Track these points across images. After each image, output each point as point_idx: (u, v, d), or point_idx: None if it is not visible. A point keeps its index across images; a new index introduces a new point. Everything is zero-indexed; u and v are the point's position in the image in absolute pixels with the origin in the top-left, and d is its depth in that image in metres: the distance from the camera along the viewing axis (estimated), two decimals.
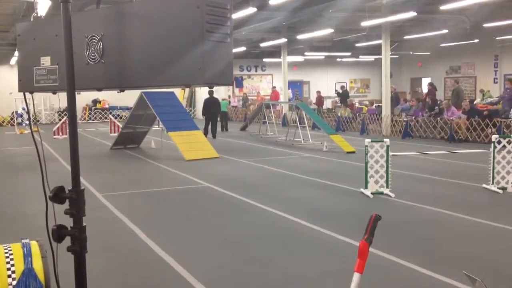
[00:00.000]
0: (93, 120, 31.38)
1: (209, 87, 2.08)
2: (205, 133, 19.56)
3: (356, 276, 2.51)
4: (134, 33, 1.98)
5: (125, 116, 27.83)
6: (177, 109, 16.25)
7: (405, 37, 26.09)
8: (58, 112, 29.54)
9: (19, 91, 2.67)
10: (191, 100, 34.54)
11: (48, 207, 2.49)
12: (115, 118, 24.51)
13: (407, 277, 5.14)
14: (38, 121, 27.55)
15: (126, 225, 7.22)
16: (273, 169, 12.10)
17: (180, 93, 32.26)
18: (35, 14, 2.47)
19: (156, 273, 5.37)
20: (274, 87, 31.39)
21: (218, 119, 21.48)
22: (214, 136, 19.93)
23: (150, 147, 16.90)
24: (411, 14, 17.48)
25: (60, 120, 23.96)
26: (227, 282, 5.06)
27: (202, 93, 33.85)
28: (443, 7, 17.25)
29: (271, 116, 22.11)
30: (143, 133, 17.33)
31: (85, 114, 31.78)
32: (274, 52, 29.81)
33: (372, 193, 8.81)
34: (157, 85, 1.97)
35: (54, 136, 20.66)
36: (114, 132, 19.99)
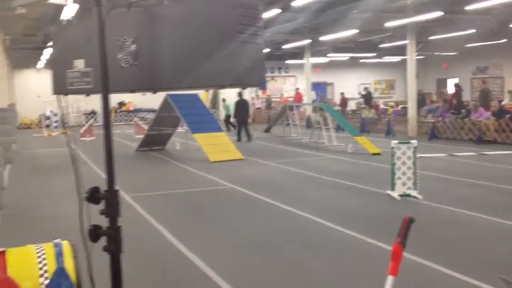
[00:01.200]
0: (118, 122, 31.74)
1: (242, 88, 2.10)
2: (239, 136, 19.48)
3: (390, 279, 2.49)
4: (166, 35, 2.00)
5: (150, 118, 28.10)
6: (202, 111, 16.35)
7: (431, 38, 25.76)
8: (85, 114, 29.95)
9: (53, 93, 2.71)
10: (215, 101, 34.66)
11: (82, 208, 2.53)
12: (140, 120, 24.74)
13: (436, 279, 5.07)
14: (66, 123, 27.98)
15: (153, 226, 7.28)
16: (298, 171, 12.07)
17: (204, 95, 32.41)
18: (68, 18, 2.51)
19: (183, 273, 5.40)
20: (297, 89, 31.31)
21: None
22: (240, 139, 19.55)
23: (175, 149, 17.02)
24: (437, 14, 17.26)
25: (87, 122, 24.29)
26: (253, 283, 5.06)
27: (225, 95, 33.98)
28: (469, 7, 16.97)
29: (295, 118, 22.06)
30: (168, 135, 17.46)
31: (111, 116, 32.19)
32: (297, 53, 29.73)
33: (399, 195, 8.72)
34: (189, 86, 1.98)
35: (82, 138, 20.95)
36: (139, 134, 20.16)
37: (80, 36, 2.39)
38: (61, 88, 2.64)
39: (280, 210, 8.15)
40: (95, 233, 2.32)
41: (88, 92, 2.52)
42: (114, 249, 2.36)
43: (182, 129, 18.02)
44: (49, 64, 27.41)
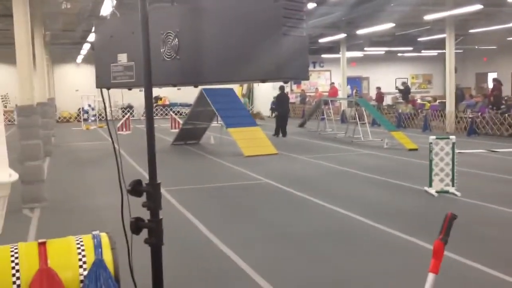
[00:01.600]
0: (154, 116, 32.05)
1: (284, 82, 2.08)
2: (277, 132, 19.34)
3: (430, 277, 2.44)
4: (210, 29, 2.00)
5: (185, 112, 28.33)
6: (236, 106, 16.40)
7: (470, 31, 25.14)
8: (121, 108, 30.42)
9: (97, 87, 2.76)
10: (249, 96, 34.71)
11: (123, 200, 2.56)
12: (176, 114, 24.98)
13: (476, 278, 4.97)
14: (103, 117, 28.49)
15: (188, 219, 7.35)
16: (333, 166, 11.99)
17: (238, 90, 32.50)
18: (111, 12, 2.54)
19: (217, 266, 5.44)
20: (332, 83, 31.04)
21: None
22: (284, 135, 19.34)
23: (210, 143, 17.13)
24: (477, 7, 16.82)
25: (123, 116, 24.66)
26: (287, 277, 5.06)
27: (260, 89, 33.99)
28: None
29: (330, 113, 21.89)
30: (202, 129, 17.59)
31: None
32: (333, 47, 29.45)
33: (437, 192, 8.56)
34: (232, 80, 1.98)
35: (118, 132, 21.29)
36: (175, 128, 20.36)
37: (123, 30, 2.42)
38: (104, 82, 2.68)
39: (314, 205, 8.12)
40: (136, 225, 2.34)
41: (130, 86, 2.55)
42: (155, 242, 2.39)
43: (216, 123, 18.12)
44: (93, 58, 27.96)
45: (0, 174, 1.58)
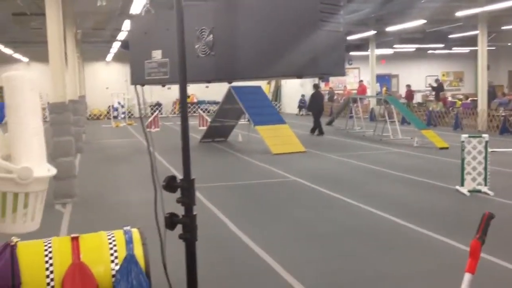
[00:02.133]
0: None
1: (320, 78, 2.06)
2: (314, 130, 19.08)
3: (467, 277, 2.39)
4: (245, 25, 2.00)
5: (212, 110, 28.45)
6: (264, 103, 16.39)
7: (503, 28, 24.59)
8: (150, 106, 30.73)
9: (131, 84, 2.77)
10: (277, 94, 34.66)
11: (156, 196, 2.58)
12: (203, 112, 25.11)
13: (509, 279, 4.85)
14: (132, 115, 28.82)
15: (217, 216, 7.37)
16: (361, 164, 11.88)
17: (266, 88, 32.48)
18: (146, 9, 2.55)
19: (247, 263, 5.44)
20: (361, 81, 30.76)
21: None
22: (321, 133, 18.93)
23: (237, 141, 17.15)
24: (510, 3, 16.43)
25: (152, 114, 24.89)
26: (317, 276, 5.03)
27: (287, 87, 33.90)
28: None
29: (358, 111, 21.69)
30: (230, 126, 17.63)
31: (175, 108, 32.85)
32: (361, 45, 29.15)
33: (468, 191, 8.40)
34: (267, 76, 1.97)
35: (147, 129, 21.48)
36: (203, 126, 20.46)
37: (158, 27, 2.43)
38: (139, 78, 2.70)
39: (344, 204, 8.05)
40: (171, 221, 2.36)
41: (164, 83, 2.56)
42: (189, 237, 2.40)
43: (244, 121, 18.15)
44: (122, 56, 28.30)
45: (39, 168, 1.61)
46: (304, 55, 1.84)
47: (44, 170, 1.84)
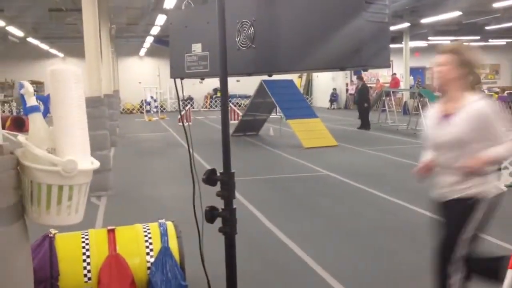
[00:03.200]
0: (214, 107, 32.52)
1: (364, 70, 2.03)
2: (363, 125, 18.65)
3: (510, 273, 2.33)
4: (286, 16, 1.97)
5: (244, 104, 28.50)
6: (296, 97, 16.31)
7: None
8: (181, 100, 30.93)
9: (171, 77, 2.79)
10: (308, 88, 34.49)
11: (195, 189, 2.59)
12: (235, 106, 25.19)
13: None
14: (164, 109, 29.12)
15: (250, 210, 7.39)
16: (395, 159, 11.73)
17: (297, 81, 32.34)
18: (186, 3, 2.56)
19: (280, 258, 5.44)
20: (394, 74, 30.33)
21: None
22: (367, 127, 18.55)
23: (269, 134, 17.14)
24: None
25: (184, 108, 25.07)
26: (352, 272, 4.99)
27: (319, 81, 33.69)
28: None
29: (391, 104, 21.41)
30: (262, 120, 17.63)
31: (206, 102, 33.04)
32: (395, 37, 28.70)
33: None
34: (309, 68, 1.95)
35: (179, 123, 21.70)
36: (234, 120, 20.54)
37: (198, 20, 2.43)
38: (178, 72, 2.71)
39: (378, 199, 7.96)
40: (211, 214, 2.36)
41: (204, 76, 2.57)
42: (229, 231, 2.41)
43: (276, 114, 18.11)
44: (155, 51, 28.59)
45: (83, 161, 1.63)
46: (347, 46, 1.80)
47: (88, 163, 1.87)
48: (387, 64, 1.96)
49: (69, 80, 1.78)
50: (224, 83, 2.19)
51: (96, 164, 1.89)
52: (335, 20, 1.83)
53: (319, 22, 1.89)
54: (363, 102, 18.71)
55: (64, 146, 1.81)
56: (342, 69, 1.91)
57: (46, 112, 1.91)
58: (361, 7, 1.77)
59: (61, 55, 30.31)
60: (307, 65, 1.97)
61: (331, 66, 1.91)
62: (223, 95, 2.28)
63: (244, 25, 2.18)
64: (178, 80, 2.71)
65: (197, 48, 2.48)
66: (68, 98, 1.77)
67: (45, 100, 1.88)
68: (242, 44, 2.23)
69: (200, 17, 2.42)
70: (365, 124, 18.59)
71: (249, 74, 2.29)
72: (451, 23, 24.27)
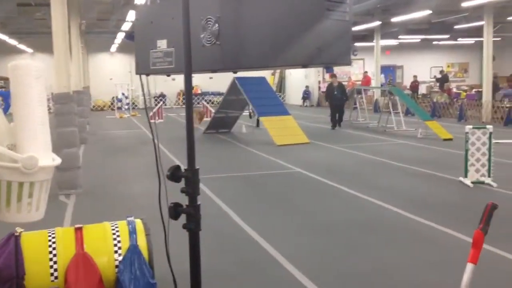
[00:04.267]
0: None
1: (326, 68, 2.05)
2: (333, 122, 18.32)
3: (469, 266, 2.39)
4: (251, 14, 1.98)
5: (216, 101, 28.42)
6: (268, 94, 16.35)
7: (509, 18, 24.42)
8: (154, 97, 30.71)
9: (136, 73, 2.77)
10: (281, 85, 34.59)
11: (160, 186, 2.58)
12: (207, 103, 25.11)
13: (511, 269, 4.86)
14: (136, 106, 28.83)
15: (220, 207, 7.38)
16: (365, 156, 11.86)
17: (270, 78, 32.40)
18: None
19: (250, 254, 5.45)
20: (365, 72, 30.67)
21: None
22: (336, 125, 18.32)
23: (241, 132, 17.15)
24: None
25: (156, 105, 24.88)
26: (321, 267, 5.04)
27: (292, 78, 33.82)
28: None
29: (362, 102, 21.64)
30: (234, 118, 17.62)
31: (179, 99, 32.83)
32: (366, 36, 29.02)
33: (472, 182, 8.39)
34: (274, 65, 1.96)
35: (151, 121, 21.49)
36: (207, 117, 20.47)
37: (163, 16, 2.42)
38: (144, 68, 2.68)
39: (347, 195, 8.05)
40: (175, 210, 2.35)
41: (170, 72, 2.55)
42: (193, 227, 2.40)
43: (248, 112, 18.12)
44: (127, 47, 28.26)
45: (44, 157, 1.60)
46: (310, 44, 1.82)
47: (49, 159, 1.84)
48: (348, 62, 1.98)
49: (29, 75, 1.75)
50: (188, 80, 2.18)
51: (58, 160, 1.86)
52: (297, 18, 1.84)
53: (281, 20, 1.90)
54: (338, 100, 18.42)
55: (25, 142, 1.78)
56: (304, 66, 1.93)
57: (7, 108, 1.88)
58: (323, 6, 1.78)
59: (30, 50, 29.73)
60: (270, 62, 1.98)
61: (294, 63, 1.92)
62: (187, 92, 2.27)
63: (209, 22, 2.18)
64: (143, 77, 2.69)
65: (162, 44, 2.46)
66: (29, 94, 1.74)
67: (5, 96, 1.85)
68: (207, 40, 2.22)
69: (165, 13, 2.41)
70: (337, 122, 18.53)
71: (214, 71, 2.29)
72: (421, 22, 24.65)
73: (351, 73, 33.27)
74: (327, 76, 33.61)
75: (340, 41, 1.90)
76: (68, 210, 7.34)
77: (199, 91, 32.70)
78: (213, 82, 30.88)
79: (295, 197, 8.17)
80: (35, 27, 22.47)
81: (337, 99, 18.20)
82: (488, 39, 19.43)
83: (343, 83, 32.31)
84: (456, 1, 18.72)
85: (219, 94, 29.61)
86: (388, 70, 33.26)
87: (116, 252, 4.17)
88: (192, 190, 2.39)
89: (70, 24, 14.66)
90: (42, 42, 24.58)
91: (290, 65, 1.94)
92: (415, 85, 28.69)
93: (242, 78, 15.51)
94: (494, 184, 8.26)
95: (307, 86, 32.03)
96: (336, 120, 18.36)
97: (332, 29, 1.85)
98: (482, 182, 8.39)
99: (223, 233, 6.23)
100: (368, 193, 7.99)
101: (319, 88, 32.25)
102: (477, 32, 24.32)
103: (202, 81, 31.83)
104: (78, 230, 4.20)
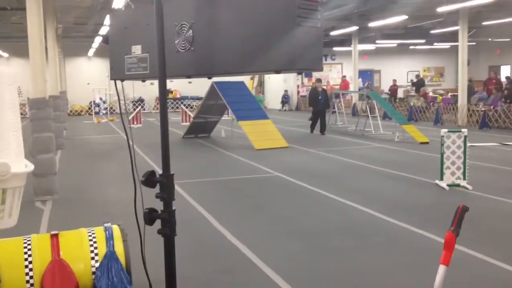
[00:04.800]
0: None
1: (298, 73, 2.07)
2: (312, 128, 18.12)
3: (441, 268, 2.44)
4: (224, 20, 2.00)
5: (196, 106, 28.35)
6: (247, 99, 16.37)
7: (484, 23, 24.87)
8: (132, 102, 30.51)
9: (111, 79, 2.76)
10: (260, 89, 34.65)
11: (136, 192, 2.57)
12: (187, 107, 25.03)
13: (487, 272, 4.94)
14: (114, 110, 28.61)
15: (199, 212, 7.37)
16: (343, 159, 11.96)
17: (249, 83, 32.45)
18: (126, 4, 2.54)
19: (229, 259, 5.45)
20: (344, 76, 30.93)
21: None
22: (316, 131, 17.95)
23: (220, 136, 17.14)
24: None
25: (134, 110, 24.72)
26: (299, 271, 5.06)
27: (271, 82, 33.93)
28: None
29: (341, 106, 21.81)
30: (214, 122, 17.60)
31: (157, 104, 32.68)
32: (345, 40, 29.28)
33: (448, 185, 8.52)
34: (247, 71, 1.98)
35: (130, 125, 21.38)
36: (186, 122, 20.40)
37: (138, 22, 2.42)
38: (118, 73, 2.68)
39: (325, 199, 8.11)
40: (150, 216, 2.35)
41: (144, 78, 2.55)
42: (168, 232, 2.40)
43: (227, 116, 18.11)
44: (104, 52, 28.04)
45: (16, 164, 1.59)
46: (282, 50, 1.85)
47: (22, 166, 1.83)
48: (319, 68, 2.01)
49: (2, 82, 1.74)
50: (162, 85, 2.19)
51: (31, 167, 1.85)
52: (269, 25, 1.87)
53: (254, 27, 1.93)
54: (321, 106, 17.96)
55: None
56: (277, 72, 1.95)
57: None
58: (294, 13, 1.81)
59: (5, 55, 29.30)
60: (243, 68, 2.01)
61: (267, 69, 1.95)
62: (161, 97, 2.28)
63: (183, 28, 2.20)
64: (119, 82, 2.68)
65: (136, 49, 2.47)
66: (1, 100, 1.73)
67: None
68: (181, 46, 2.24)
69: (140, 19, 2.41)
70: (315, 126, 18.26)
71: (189, 76, 2.30)
72: (398, 27, 24.96)
73: (329, 77, 33.53)
74: (306, 80, 33.87)
75: (312, 47, 1.93)
76: (44, 217, 7.25)
77: (178, 96, 32.61)
78: (192, 87, 30.82)
79: (274, 201, 8.19)
80: (11, 32, 22.18)
81: (321, 105, 17.93)
82: (463, 43, 19.77)
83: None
84: (431, 6, 19.02)
85: (198, 98, 29.55)
86: (366, 74, 33.60)
87: (93, 258, 4.14)
88: (167, 195, 2.39)
89: (46, 28, 14.52)
90: (18, 46, 24.28)
91: (263, 71, 1.97)
92: (394, 89, 29.05)
93: (221, 83, 15.51)
94: (469, 187, 8.40)
95: (286, 90, 32.17)
96: (316, 125, 17.97)
97: (304, 35, 1.87)
98: (458, 185, 8.52)
99: (202, 238, 6.22)
100: (346, 196, 8.06)
101: (298, 92, 32.43)
102: (453, 37, 24.72)
103: (181, 85, 31.74)
104: (54, 237, 4.16)
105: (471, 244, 5.51)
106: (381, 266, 5.19)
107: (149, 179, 2.36)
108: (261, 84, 34.45)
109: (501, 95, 20.10)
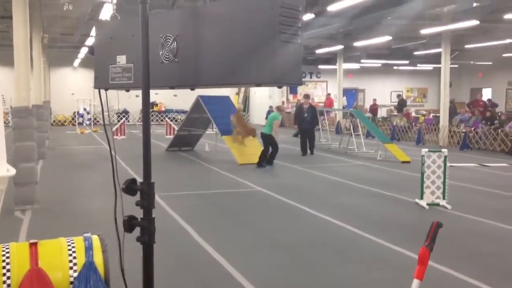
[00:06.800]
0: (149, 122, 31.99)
1: (278, 87, 2.13)
2: (303, 149, 16.77)
3: (415, 283, 2.49)
4: (208, 34, 2.06)
5: (180, 119, 28.34)
6: (232, 113, 16.39)
7: (466, 46, 25.37)
8: (117, 113, 30.40)
9: (95, 87, 2.80)
10: (245, 104, 34.80)
11: (116, 200, 2.59)
12: (171, 120, 25.02)
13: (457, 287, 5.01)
14: (98, 121, 28.47)
15: (180, 225, 7.37)
16: (326, 176, 12.04)
17: (235, 98, 32.58)
18: (113, 15, 2.59)
19: (209, 273, 5.46)
20: (328, 94, 31.22)
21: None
22: (308, 152, 16.79)
23: (204, 150, 17.14)
24: (473, 22, 17.00)
25: (118, 121, 24.63)
26: (277, 285, 5.08)
27: (256, 98, 34.08)
28: (507, 16, 16.68)
29: (325, 123, 21.96)
30: (197, 136, 17.61)
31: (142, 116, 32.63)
32: (330, 59, 29.64)
33: (427, 204, 8.62)
34: (229, 83, 2.03)
35: (114, 137, 21.26)
36: (170, 134, 20.37)
37: (123, 32, 2.47)
38: (102, 82, 2.72)
39: (307, 215, 8.15)
40: (129, 223, 2.38)
41: (128, 87, 2.59)
42: (147, 240, 2.42)
43: (211, 130, 18.14)
44: (90, 62, 27.98)
45: None
46: (263, 64, 1.91)
47: (3, 170, 1.85)
48: (299, 82, 2.08)
49: None
50: (146, 95, 2.23)
51: (12, 171, 1.87)
52: (251, 40, 1.93)
53: (236, 41, 1.99)
54: (309, 124, 16.95)
55: None
56: (258, 85, 2.01)
57: None
58: (276, 29, 1.88)
59: None
60: (226, 80, 2.06)
61: (248, 82, 2.00)
62: (144, 107, 2.32)
63: (168, 40, 2.25)
64: (102, 91, 2.72)
65: (121, 59, 2.51)
66: None
67: None
68: (166, 57, 2.29)
69: (125, 30, 2.46)
70: (304, 148, 16.95)
71: (172, 87, 2.34)
72: (382, 47, 25.35)
73: (314, 94, 33.79)
74: (291, 96, 34.09)
75: (292, 62, 1.99)
76: (24, 226, 7.19)
77: (163, 109, 32.58)
78: (177, 100, 30.85)
79: (255, 215, 8.22)
80: None
81: (307, 123, 16.81)
82: (445, 65, 20.10)
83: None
84: (415, 28, 19.38)
85: (183, 112, 29.54)
86: (350, 93, 33.95)
87: (71, 268, 4.12)
88: (147, 203, 2.42)
89: (32, 37, 14.48)
90: (3, 54, 24.09)
91: (244, 84, 2.03)
92: (374, 108, 29.39)
93: (206, 97, 15.56)
94: (449, 206, 8.51)
95: (270, 106, 32.31)
96: (306, 146, 16.81)
97: (284, 51, 1.94)
98: (437, 204, 8.62)
99: (182, 251, 6.22)
100: (327, 212, 8.12)
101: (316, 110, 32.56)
102: (436, 58, 25.14)
103: (166, 98, 31.74)
104: (33, 245, 4.13)
105: (448, 262, 5.59)
106: (359, 281, 5.23)
107: (130, 187, 2.39)
108: (246, 99, 34.59)
109: (481, 118, 20.44)
